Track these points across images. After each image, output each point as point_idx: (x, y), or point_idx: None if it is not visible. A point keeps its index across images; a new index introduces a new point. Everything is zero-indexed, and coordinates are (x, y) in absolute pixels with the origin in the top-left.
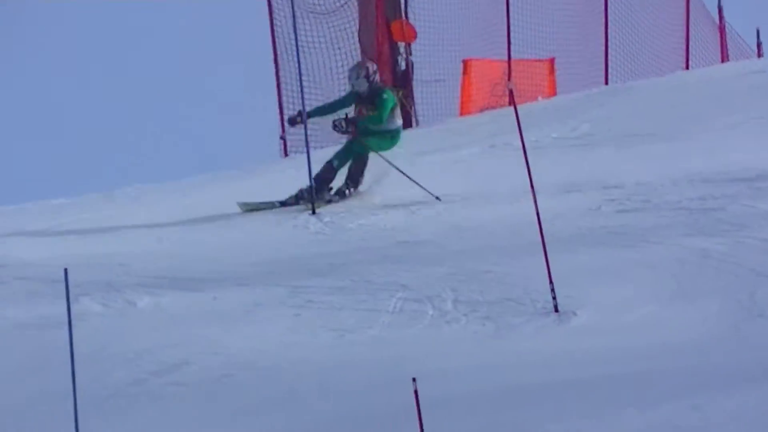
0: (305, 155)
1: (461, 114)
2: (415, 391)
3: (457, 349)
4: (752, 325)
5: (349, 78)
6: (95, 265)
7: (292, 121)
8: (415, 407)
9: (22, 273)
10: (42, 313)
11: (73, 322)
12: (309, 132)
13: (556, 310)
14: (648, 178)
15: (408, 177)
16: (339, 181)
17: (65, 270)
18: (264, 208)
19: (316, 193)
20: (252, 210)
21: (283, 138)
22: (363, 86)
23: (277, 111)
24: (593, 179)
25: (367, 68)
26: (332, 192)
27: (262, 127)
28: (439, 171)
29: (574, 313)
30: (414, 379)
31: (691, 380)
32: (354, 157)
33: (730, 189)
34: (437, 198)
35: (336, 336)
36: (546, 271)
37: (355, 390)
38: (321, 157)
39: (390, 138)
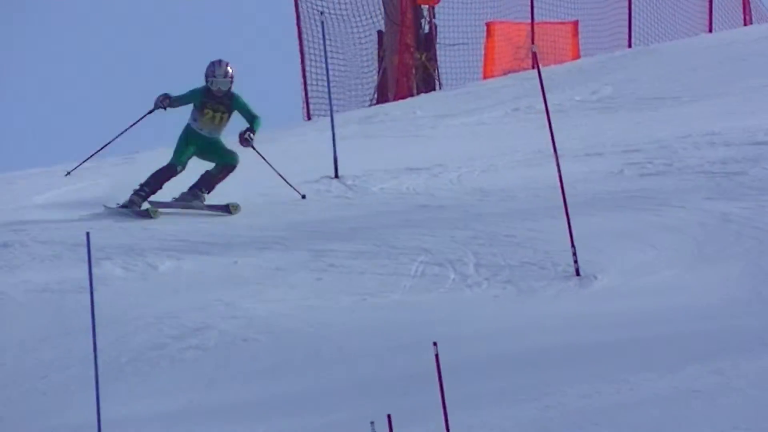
0: (328, 118)
1: (484, 77)
2: (436, 355)
3: (478, 312)
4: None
5: (209, 75)
6: (117, 229)
7: (158, 104)
8: (436, 371)
9: (45, 237)
10: (64, 277)
11: (94, 286)
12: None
13: (578, 274)
14: (669, 142)
15: (277, 172)
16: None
17: (87, 234)
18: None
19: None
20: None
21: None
22: (225, 87)
23: (300, 76)
24: (615, 142)
25: (232, 72)
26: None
27: (286, 91)
28: (462, 134)
29: (595, 277)
30: (435, 343)
31: (712, 344)
32: (230, 162)
33: (752, 152)
34: (303, 196)
35: (357, 300)
36: (568, 235)
37: (375, 353)
38: (344, 119)
39: None
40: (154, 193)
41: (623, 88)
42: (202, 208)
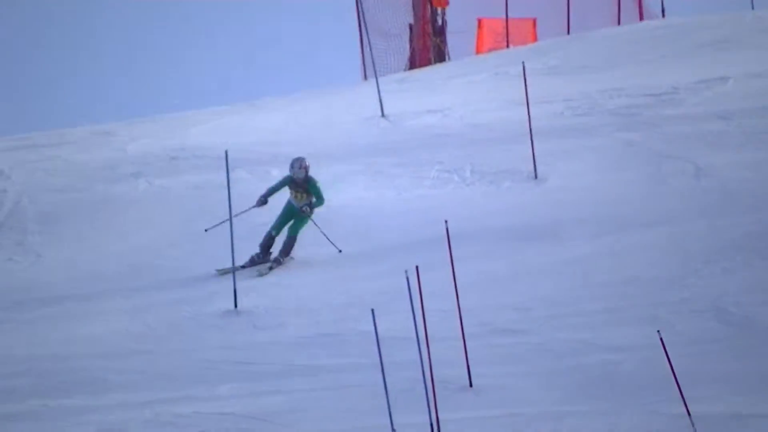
0: (376, 78)
1: (477, 53)
2: (446, 229)
3: (473, 202)
4: (658, 187)
5: (292, 167)
6: (245, 146)
7: (258, 203)
8: (446, 238)
9: (198, 153)
10: (208, 179)
11: (231, 183)
12: (376, 56)
13: (536, 177)
14: (593, 94)
15: (324, 234)
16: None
17: (226, 152)
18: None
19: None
20: (224, 273)
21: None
22: (301, 175)
23: (359, 48)
24: (559, 94)
25: (306, 163)
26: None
27: (348, 58)
28: (463, 89)
29: (547, 179)
30: (446, 221)
31: (618, 223)
32: (298, 229)
33: (645, 101)
34: (339, 251)
35: (395, 194)
36: (531, 152)
37: (409, 227)
38: (387, 80)
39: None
40: (266, 255)
41: (565, 60)
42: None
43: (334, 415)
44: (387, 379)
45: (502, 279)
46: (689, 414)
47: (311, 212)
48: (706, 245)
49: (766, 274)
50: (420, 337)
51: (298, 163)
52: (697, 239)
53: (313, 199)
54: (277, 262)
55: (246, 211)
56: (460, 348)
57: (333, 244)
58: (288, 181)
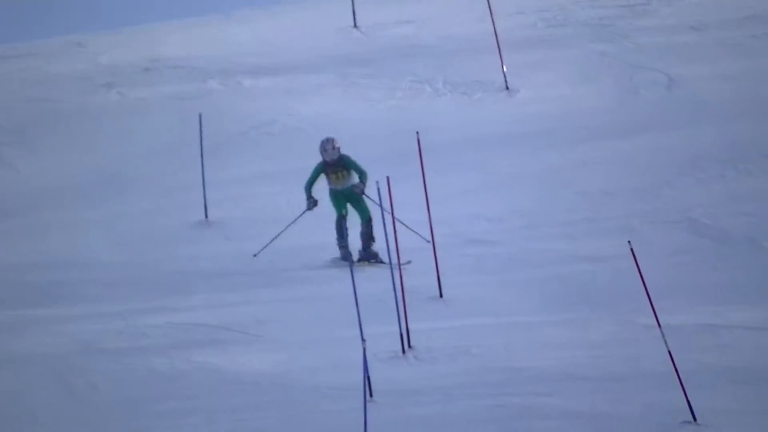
0: None
1: None
2: (418, 140)
3: (445, 113)
4: (631, 98)
5: (323, 150)
6: (217, 58)
7: (309, 207)
8: (418, 149)
9: (171, 64)
10: (184, 89)
11: (202, 96)
12: None
13: (507, 88)
14: (567, 6)
15: (397, 219)
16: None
17: (197, 66)
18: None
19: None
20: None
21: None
22: (334, 156)
23: None
24: (532, 6)
25: (337, 143)
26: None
27: None
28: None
29: (519, 90)
30: (418, 132)
31: (590, 134)
32: (368, 218)
33: (619, 12)
34: (428, 241)
35: (369, 105)
36: (500, 64)
37: (381, 138)
38: None
39: None
40: (346, 238)
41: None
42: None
43: (305, 325)
44: (358, 290)
45: (474, 190)
46: (659, 325)
47: (364, 188)
48: (678, 156)
49: (738, 185)
50: (391, 247)
51: (330, 144)
52: (669, 150)
53: (354, 178)
54: (369, 252)
55: (299, 217)
56: (431, 258)
57: (415, 232)
58: (321, 168)
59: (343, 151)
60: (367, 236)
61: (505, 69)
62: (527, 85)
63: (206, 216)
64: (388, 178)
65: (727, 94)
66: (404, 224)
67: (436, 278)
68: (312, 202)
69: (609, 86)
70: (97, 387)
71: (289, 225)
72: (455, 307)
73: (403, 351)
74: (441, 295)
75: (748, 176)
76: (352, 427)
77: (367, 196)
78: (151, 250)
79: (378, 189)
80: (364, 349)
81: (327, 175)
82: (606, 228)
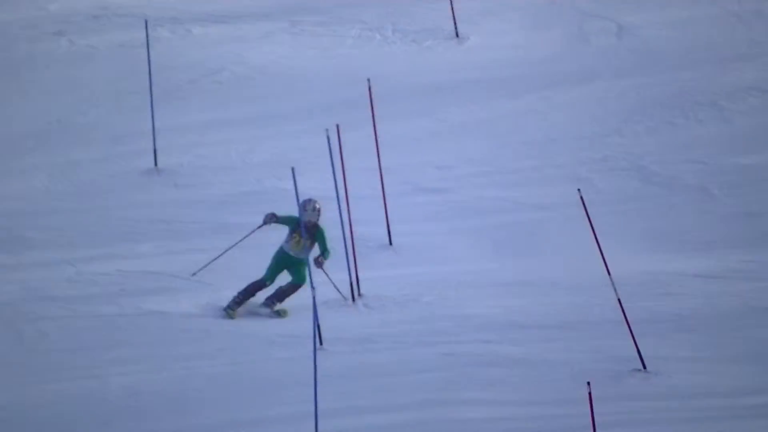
0: None
1: None
2: (369, 87)
3: (394, 61)
4: (581, 46)
5: (303, 209)
6: (166, 6)
7: (266, 221)
8: (368, 97)
9: (120, 12)
10: (133, 37)
11: (151, 44)
12: None
13: (457, 36)
14: None
15: (335, 285)
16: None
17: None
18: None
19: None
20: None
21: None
22: (314, 219)
23: None
24: None
25: (319, 206)
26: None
27: None
28: None
29: (468, 38)
30: (368, 80)
31: (540, 81)
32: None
33: None
34: (345, 298)
35: (319, 52)
36: (450, 8)
37: (331, 86)
38: None
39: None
40: (246, 299)
41: None
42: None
43: (253, 272)
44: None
45: (424, 138)
46: (609, 273)
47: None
48: (628, 104)
49: (687, 133)
50: (340, 195)
51: (311, 205)
52: (619, 98)
53: (314, 252)
54: (268, 305)
55: (252, 232)
56: (381, 206)
57: (340, 291)
58: (294, 223)
59: (298, 104)
60: (283, 295)
61: (455, 16)
62: (477, 33)
63: (156, 164)
64: (337, 126)
65: (676, 41)
66: (333, 283)
67: (385, 226)
68: (270, 217)
69: (559, 34)
70: (47, 335)
71: (236, 244)
72: (405, 255)
73: (353, 299)
74: (391, 243)
75: (697, 124)
76: (302, 375)
77: (326, 274)
78: (100, 198)
79: (328, 137)
80: (314, 297)
81: (292, 231)
82: (555, 176)
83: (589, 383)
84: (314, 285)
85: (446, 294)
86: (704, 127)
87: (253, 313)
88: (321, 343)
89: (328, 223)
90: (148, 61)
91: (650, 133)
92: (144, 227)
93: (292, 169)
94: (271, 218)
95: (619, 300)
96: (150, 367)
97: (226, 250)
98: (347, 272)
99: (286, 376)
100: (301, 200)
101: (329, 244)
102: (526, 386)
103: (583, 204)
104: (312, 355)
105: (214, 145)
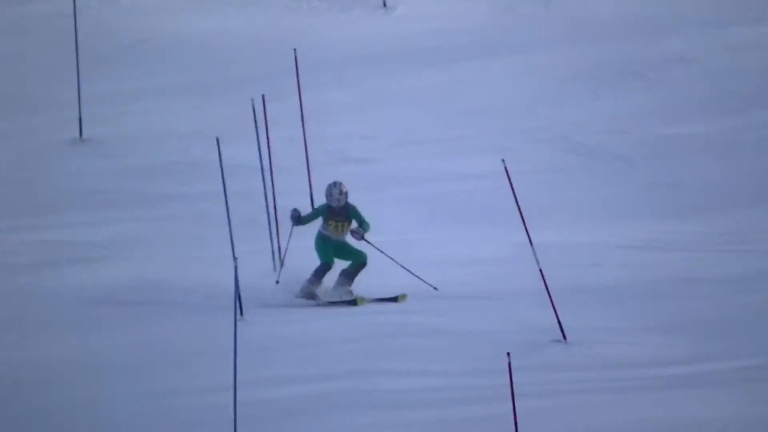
0: None
1: None
2: (295, 57)
3: (322, 30)
4: (508, 17)
5: (329, 194)
6: None
7: (293, 221)
8: (295, 67)
9: None
10: (62, 6)
11: (79, 13)
12: None
13: (385, 6)
14: None
15: (421, 279)
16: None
17: None
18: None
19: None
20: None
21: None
22: (342, 202)
23: None
24: None
25: (345, 188)
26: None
27: None
28: None
29: (396, 8)
30: (295, 49)
31: (466, 52)
32: (361, 260)
33: None
34: (435, 288)
35: (245, 23)
36: None
37: (256, 56)
38: None
39: None
40: (319, 282)
41: None
42: (347, 297)
43: (176, 243)
44: (231, 208)
45: (350, 107)
46: (531, 243)
47: (364, 234)
48: (554, 75)
49: (613, 103)
50: (265, 166)
51: (337, 189)
52: (545, 69)
53: (360, 225)
54: (348, 287)
55: (288, 239)
56: (305, 176)
57: (428, 283)
58: (323, 213)
59: (224, 74)
60: (353, 275)
61: None
62: (405, 3)
63: (81, 134)
64: (263, 96)
65: (604, 13)
66: (393, 259)
67: (309, 196)
68: (295, 219)
69: (486, 4)
70: None
71: (289, 239)
72: None
73: (275, 268)
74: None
75: (622, 94)
76: (221, 346)
77: (368, 241)
78: (25, 169)
79: (253, 106)
80: (236, 268)
81: (326, 221)
82: (480, 146)
83: (509, 354)
84: (236, 255)
85: (368, 264)
86: (628, 97)
87: (173, 283)
88: (242, 314)
89: (253, 194)
90: (74, 30)
91: (575, 103)
92: (69, 197)
93: (217, 139)
94: (297, 221)
95: (540, 270)
96: (70, 337)
97: (288, 241)
98: (269, 242)
99: (206, 346)
100: (326, 185)
101: (365, 217)
102: (446, 356)
103: (507, 174)
104: (233, 325)
105: (141, 115)
